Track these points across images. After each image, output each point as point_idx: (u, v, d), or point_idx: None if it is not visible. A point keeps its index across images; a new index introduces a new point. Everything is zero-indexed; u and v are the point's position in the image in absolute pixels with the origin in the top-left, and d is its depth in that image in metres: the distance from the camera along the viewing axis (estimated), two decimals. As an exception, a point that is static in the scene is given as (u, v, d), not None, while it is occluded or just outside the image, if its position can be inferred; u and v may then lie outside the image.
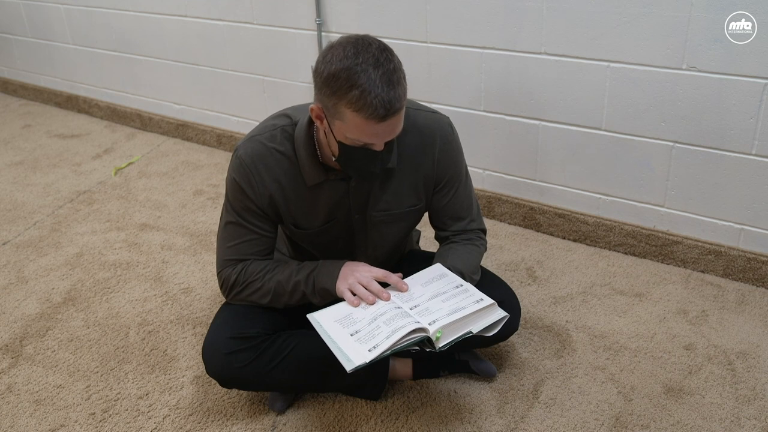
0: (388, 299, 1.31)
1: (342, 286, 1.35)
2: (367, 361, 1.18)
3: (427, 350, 1.25)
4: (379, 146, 1.23)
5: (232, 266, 1.43)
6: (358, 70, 1.13)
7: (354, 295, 1.33)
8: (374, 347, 1.20)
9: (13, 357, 1.76)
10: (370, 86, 1.13)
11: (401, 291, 1.34)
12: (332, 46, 1.18)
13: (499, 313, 1.28)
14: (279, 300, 1.42)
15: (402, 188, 1.43)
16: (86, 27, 3.18)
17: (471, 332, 1.25)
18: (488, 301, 1.28)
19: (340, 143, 1.24)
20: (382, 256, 1.54)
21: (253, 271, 1.42)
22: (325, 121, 1.24)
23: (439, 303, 1.29)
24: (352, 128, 1.18)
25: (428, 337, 1.22)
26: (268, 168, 1.37)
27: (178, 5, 2.77)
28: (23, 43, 3.54)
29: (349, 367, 1.18)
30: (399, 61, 1.19)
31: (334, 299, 1.37)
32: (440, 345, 1.22)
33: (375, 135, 1.20)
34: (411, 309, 1.28)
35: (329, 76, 1.15)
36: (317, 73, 1.19)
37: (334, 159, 1.31)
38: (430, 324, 1.23)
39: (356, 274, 1.35)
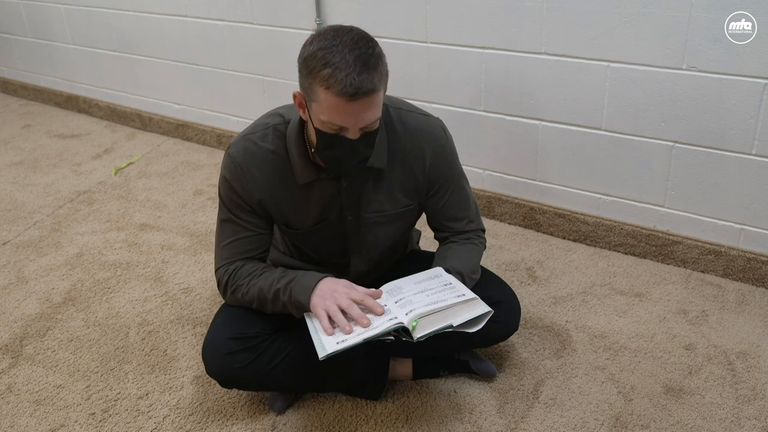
0: (367, 325, 1.25)
1: (318, 306, 1.29)
2: (333, 351, 1.20)
3: (404, 339, 1.25)
4: (353, 133, 1.22)
5: (225, 267, 1.43)
6: (334, 51, 1.15)
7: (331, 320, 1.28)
8: (343, 340, 1.22)
9: (13, 357, 1.76)
10: (343, 65, 1.14)
11: (376, 314, 1.27)
12: (315, 33, 1.21)
13: (482, 308, 1.27)
14: (264, 306, 1.41)
15: (395, 189, 1.43)
16: (86, 27, 3.18)
17: (452, 325, 1.24)
18: (470, 295, 1.28)
19: (317, 131, 1.24)
20: (378, 256, 1.53)
21: (241, 275, 1.41)
22: (306, 110, 1.25)
23: (422, 297, 1.30)
24: (325, 109, 1.18)
25: (404, 327, 1.23)
26: (258, 166, 1.37)
27: (178, 5, 2.77)
28: (23, 43, 3.54)
29: (321, 354, 1.21)
30: (381, 53, 1.20)
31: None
32: (417, 335, 1.23)
33: (345, 115, 1.18)
34: (396, 302, 1.29)
35: (307, 57, 1.18)
36: (299, 56, 1.21)
37: (312, 150, 1.31)
38: (407, 314, 1.24)
39: (335, 295, 1.29)
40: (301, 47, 1.21)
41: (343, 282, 1.33)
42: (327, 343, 1.23)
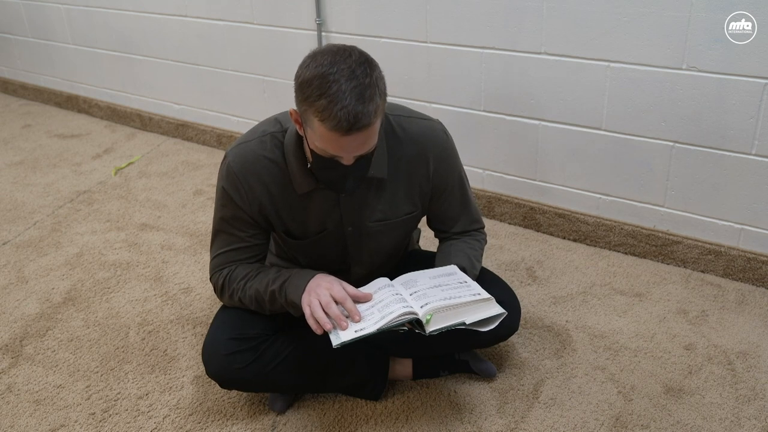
0: (345, 327, 1.25)
1: (304, 302, 1.30)
2: (350, 339, 1.21)
3: (416, 331, 1.26)
4: (347, 160, 1.21)
5: (219, 272, 1.43)
6: (330, 80, 1.12)
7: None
8: (361, 329, 1.23)
9: (13, 357, 1.76)
10: (339, 97, 1.11)
11: (353, 320, 1.26)
12: (314, 54, 1.18)
13: (496, 309, 1.29)
14: (262, 308, 1.41)
15: (397, 197, 1.42)
16: (86, 27, 3.18)
17: (464, 323, 1.25)
18: (485, 295, 1.29)
19: (312, 151, 1.23)
20: (379, 261, 1.53)
21: (235, 278, 1.41)
22: (302, 128, 1.24)
23: (438, 291, 1.30)
24: (318, 137, 1.17)
25: (418, 319, 1.24)
26: (256, 175, 1.35)
27: (178, 5, 2.77)
28: (23, 43, 3.54)
29: (335, 342, 1.21)
30: (380, 77, 1.17)
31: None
32: (430, 329, 1.23)
33: (340, 147, 1.17)
34: (411, 294, 1.30)
35: (303, 82, 1.15)
36: (296, 77, 1.18)
37: (309, 166, 1.30)
38: (422, 307, 1.25)
39: (318, 290, 1.28)
40: (298, 68, 1.18)
41: (329, 278, 1.32)
42: (342, 332, 1.24)
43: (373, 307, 1.28)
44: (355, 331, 1.23)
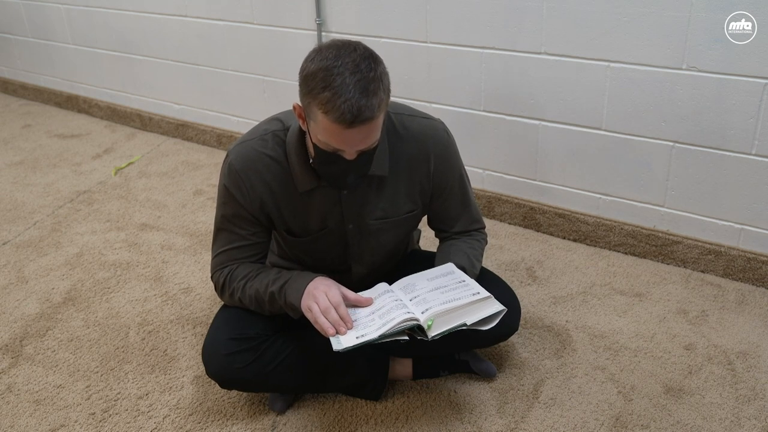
0: (343, 333, 1.25)
1: (303, 307, 1.30)
2: (352, 345, 1.21)
3: (418, 338, 1.25)
4: (350, 154, 1.21)
5: (220, 271, 1.43)
6: (335, 73, 1.12)
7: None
8: (362, 335, 1.23)
9: (13, 357, 1.76)
10: (343, 90, 1.12)
11: (346, 326, 1.27)
12: (319, 48, 1.18)
13: (496, 307, 1.28)
14: (261, 308, 1.41)
15: (398, 195, 1.42)
16: (86, 27, 3.18)
17: (465, 324, 1.25)
18: (485, 294, 1.29)
19: (315, 146, 1.24)
20: (380, 260, 1.53)
21: (236, 277, 1.41)
22: (305, 123, 1.24)
23: (437, 294, 1.30)
24: (322, 130, 1.17)
25: (419, 325, 1.23)
26: (258, 173, 1.36)
27: (178, 5, 2.77)
28: (23, 43, 3.54)
29: (336, 347, 1.21)
30: (384, 73, 1.18)
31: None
32: (432, 334, 1.23)
33: (343, 141, 1.18)
34: (411, 300, 1.30)
35: (308, 75, 1.16)
36: (300, 71, 1.19)
37: (311, 161, 1.31)
38: (423, 312, 1.25)
39: (316, 293, 1.29)
40: (303, 62, 1.19)
41: (327, 282, 1.32)
42: (343, 337, 1.24)
43: (374, 314, 1.28)
44: (357, 338, 1.22)
